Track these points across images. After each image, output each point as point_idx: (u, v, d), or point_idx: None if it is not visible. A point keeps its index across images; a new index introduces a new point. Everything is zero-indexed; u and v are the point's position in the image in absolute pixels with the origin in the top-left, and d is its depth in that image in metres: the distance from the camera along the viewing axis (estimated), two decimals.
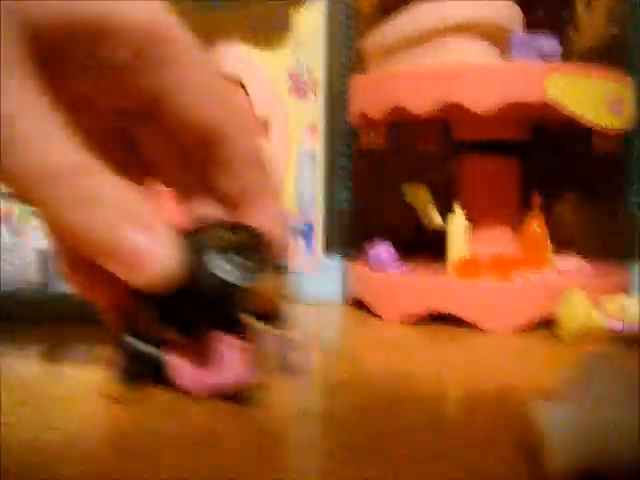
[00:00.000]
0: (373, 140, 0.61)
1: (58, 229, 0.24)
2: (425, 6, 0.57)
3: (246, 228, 0.33)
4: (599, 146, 0.60)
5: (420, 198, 0.61)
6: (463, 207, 0.58)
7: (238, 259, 0.29)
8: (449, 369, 0.41)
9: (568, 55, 0.59)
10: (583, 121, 0.53)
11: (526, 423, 0.25)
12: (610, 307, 0.51)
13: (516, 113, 0.55)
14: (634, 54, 0.63)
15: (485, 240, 0.60)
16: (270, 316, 0.33)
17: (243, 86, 0.64)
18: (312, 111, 0.65)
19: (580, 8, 0.69)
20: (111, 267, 0.25)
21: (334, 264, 0.65)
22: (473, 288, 0.53)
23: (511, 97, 0.52)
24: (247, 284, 0.30)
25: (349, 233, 0.67)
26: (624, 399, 0.23)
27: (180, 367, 0.31)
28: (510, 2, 0.57)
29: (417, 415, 0.32)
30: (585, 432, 0.24)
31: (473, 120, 0.56)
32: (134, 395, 0.31)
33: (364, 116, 0.59)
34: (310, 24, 0.65)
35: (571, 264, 0.55)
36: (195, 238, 0.30)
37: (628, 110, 0.56)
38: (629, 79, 0.57)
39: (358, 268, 0.61)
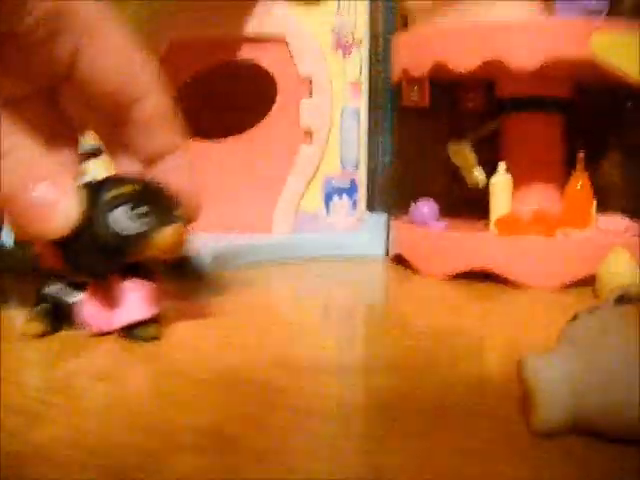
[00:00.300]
0: (417, 98, 0.60)
1: None
2: None
3: (150, 183, 0.36)
4: None
5: (464, 157, 0.61)
6: (507, 165, 0.59)
7: (136, 211, 0.33)
8: (489, 326, 0.42)
9: (617, 12, 0.58)
10: (629, 79, 0.52)
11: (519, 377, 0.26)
12: None
13: (559, 70, 0.54)
14: None
15: (529, 197, 0.60)
16: (171, 263, 0.37)
17: (286, 44, 0.64)
18: (355, 68, 0.65)
19: None
20: (19, 222, 0.28)
21: (377, 221, 0.66)
22: (515, 245, 0.53)
23: (554, 54, 0.51)
24: (139, 234, 0.33)
25: (392, 190, 0.68)
26: (628, 354, 0.23)
27: (86, 307, 0.35)
28: None
29: (451, 371, 0.33)
30: (581, 386, 0.24)
31: (515, 77, 0.55)
32: (46, 332, 0.35)
33: (406, 73, 0.58)
34: None
35: (616, 223, 0.55)
36: (97, 191, 0.33)
37: None
38: None
39: (401, 225, 0.62)
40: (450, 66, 0.54)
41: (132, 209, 0.33)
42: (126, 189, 0.33)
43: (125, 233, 0.33)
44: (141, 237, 0.33)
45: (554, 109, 0.61)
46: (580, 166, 0.56)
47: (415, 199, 0.61)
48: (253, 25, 0.65)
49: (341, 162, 0.65)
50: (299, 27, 0.64)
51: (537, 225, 0.54)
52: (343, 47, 0.65)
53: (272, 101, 0.66)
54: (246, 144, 0.66)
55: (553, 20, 0.53)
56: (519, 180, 0.59)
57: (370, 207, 0.66)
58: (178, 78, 0.66)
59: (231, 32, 0.65)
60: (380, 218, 0.66)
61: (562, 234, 0.53)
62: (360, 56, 0.65)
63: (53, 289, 0.36)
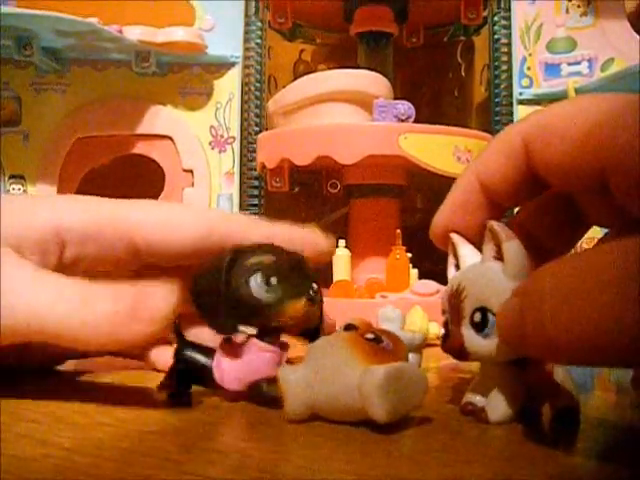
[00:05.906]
0: (279, 185, 0.73)
1: None
2: (308, 77, 0.70)
3: (289, 254, 0.38)
4: None
5: None
6: (350, 240, 0.71)
7: (268, 282, 0.35)
8: None
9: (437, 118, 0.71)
10: (431, 169, 0.65)
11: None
12: None
13: (377, 164, 0.67)
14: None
15: (365, 268, 0.72)
16: (302, 331, 0.38)
17: (173, 141, 0.77)
18: (229, 161, 0.78)
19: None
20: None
21: None
22: (342, 305, 0.64)
23: (370, 151, 0.64)
24: (267, 303, 0.35)
25: None
26: (340, 360, 0.35)
27: (218, 367, 0.37)
28: (378, 74, 0.70)
29: None
30: (313, 383, 0.35)
31: (345, 169, 0.68)
32: (185, 395, 0.37)
33: (263, 165, 0.71)
34: (228, 90, 0.78)
35: (428, 287, 0.67)
36: (238, 258, 0.36)
37: None
38: (483, 134, 0.70)
39: None
40: (293, 160, 0.67)
41: (264, 279, 0.36)
42: (264, 259, 0.37)
43: (255, 301, 0.36)
44: (268, 307, 0.36)
45: (389, 195, 0.74)
46: (398, 241, 0.68)
47: None
48: (145, 125, 0.78)
49: None
50: (183, 127, 0.78)
51: (365, 290, 0.66)
52: (219, 144, 0.78)
53: (161, 189, 0.78)
54: None
55: (370, 124, 0.66)
56: (360, 254, 0.71)
57: None
58: (83, 168, 0.79)
59: (127, 131, 0.78)
60: None
61: (380, 296, 0.65)
62: (233, 150, 0.78)
63: (190, 351, 0.38)
